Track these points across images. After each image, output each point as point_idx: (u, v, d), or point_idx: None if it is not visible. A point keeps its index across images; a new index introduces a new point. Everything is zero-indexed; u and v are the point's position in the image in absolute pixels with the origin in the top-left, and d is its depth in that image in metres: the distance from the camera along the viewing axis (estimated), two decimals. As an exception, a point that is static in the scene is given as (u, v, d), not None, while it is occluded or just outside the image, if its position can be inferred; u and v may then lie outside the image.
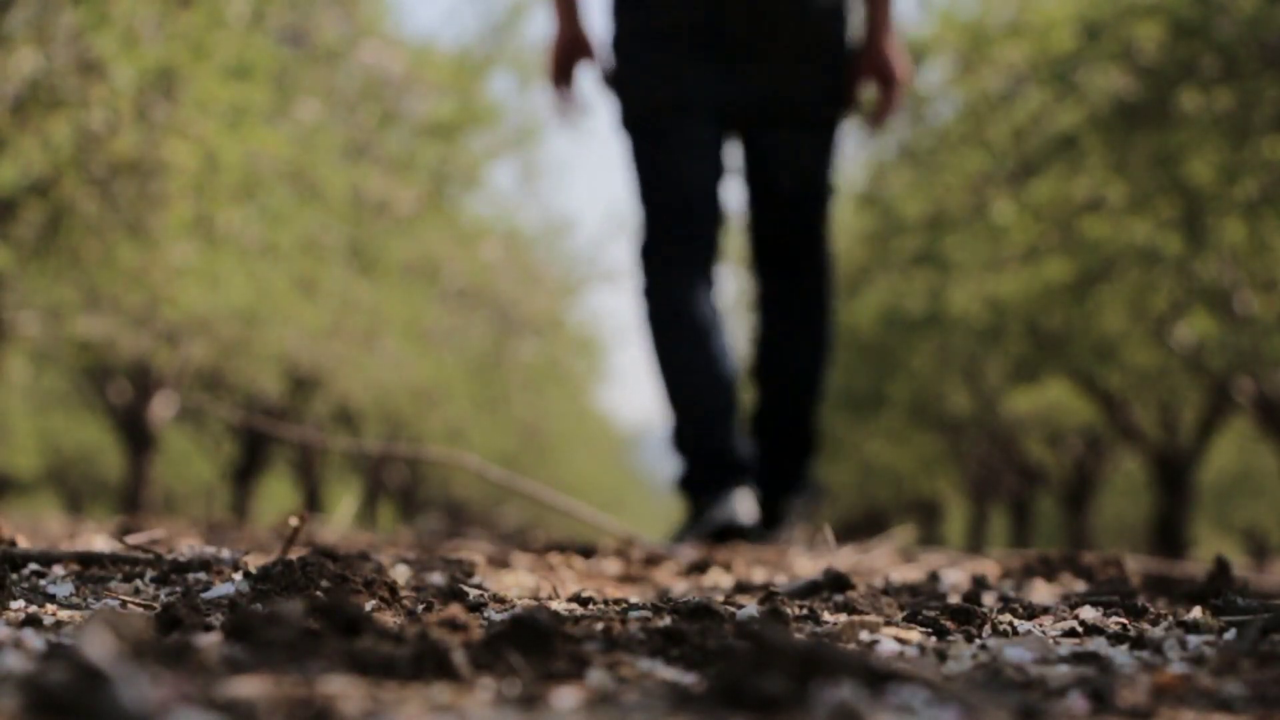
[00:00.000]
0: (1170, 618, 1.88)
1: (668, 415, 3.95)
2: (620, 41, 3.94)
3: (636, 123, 3.93)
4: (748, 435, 4.09)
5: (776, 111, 3.89)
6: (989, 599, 2.36)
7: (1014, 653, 1.45)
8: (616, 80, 3.97)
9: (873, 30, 3.97)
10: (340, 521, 5.16)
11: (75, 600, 1.83)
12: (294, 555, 2.19)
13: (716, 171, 3.91)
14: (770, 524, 3.94)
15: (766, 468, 4.05)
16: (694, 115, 3.84)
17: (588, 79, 4.12)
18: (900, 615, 1.89)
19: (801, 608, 1.90)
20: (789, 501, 4.03)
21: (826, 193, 4.04)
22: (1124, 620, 1.88)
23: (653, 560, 3.21)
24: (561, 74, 4.10)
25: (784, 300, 4.07)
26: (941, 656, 1.45)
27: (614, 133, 4.06)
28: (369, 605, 1.72)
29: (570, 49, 4.06)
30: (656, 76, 3.85)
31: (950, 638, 1.66)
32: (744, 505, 3.79)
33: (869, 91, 4.11)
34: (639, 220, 3.99)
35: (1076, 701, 1.17)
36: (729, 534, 3.70)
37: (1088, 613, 1.93)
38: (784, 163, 3.94)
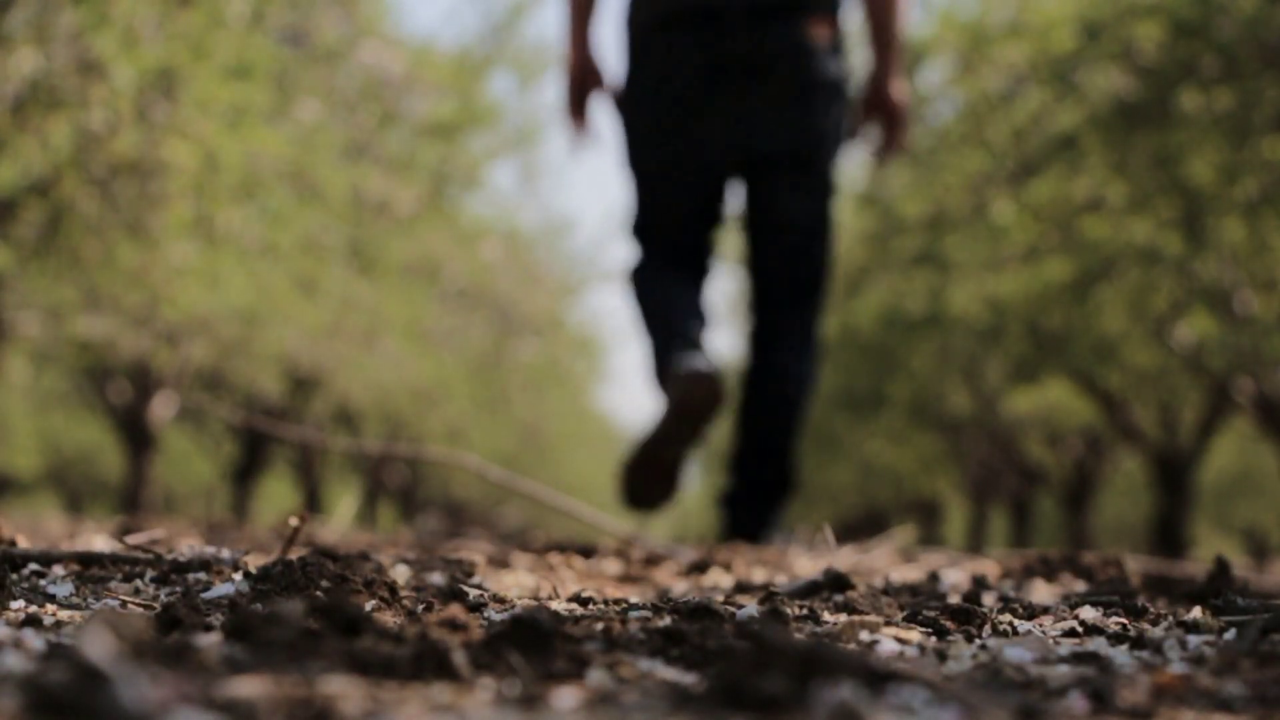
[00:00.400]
0: (1170, 618, 1.88)
1: (647, 350, 4.06)
2: (630, 91, 4.09)
3: (639, 178, 4.13)
4: (730, 472, 4.26)
5: (775, 157, 4.02)
6: (989, 599, 2.36)
7: (1014, 653, 1.45)
8: (625, 128, 4.14)
9: (879, 75, 4.14)
10: (340, 521, 5.16)
11: (75, 600, 1.83)
12: (294, 555, 2.19)
13: (711, 221, 4.12)
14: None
15: (742, 504, 4.19)
16: (694, 170, 4.03)
17: (600, 107, 4.32)
18: (900, 615, 1.89)
19: (801, 608, 1.90)
20: (761, 538, 4.13)
21: (825, 231, 4.14)
22: (1124, 620, 1.88)
23: (653, 560, 3.21)
24: (576, 103, 4.24)
25: (777, 336, 4.17)
26: (941, 656, 1.45)
27: (618, 167, 4.12)
28: (369, 605, 1.72)
29: (583, 78, 4.21)
30: (661, 133, 4.03)
31: (950, 638, 1.66)
32: (705, 360, 3.86)
33: (874, 131, 4.26)
34: (632, 236, 4.19)
35: (1076, 701, 1.17)
36: (698, 382, 3.75)
37: (1088, 613, 1.93)
38: (783, 205, 4.07)
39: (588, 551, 3.29)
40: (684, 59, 3.95)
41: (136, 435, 13.55)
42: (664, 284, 4.06)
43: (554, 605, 1.95)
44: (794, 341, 4.13)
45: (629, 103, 4.10)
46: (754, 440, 4.13)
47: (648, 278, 4.11)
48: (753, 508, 4.17)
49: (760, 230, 4.16)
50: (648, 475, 3.87)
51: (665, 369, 3.87)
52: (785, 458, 4.19)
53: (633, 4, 4.09)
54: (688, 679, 1.20)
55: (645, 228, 4.15)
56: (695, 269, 4.11)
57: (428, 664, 1.13)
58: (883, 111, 4.18)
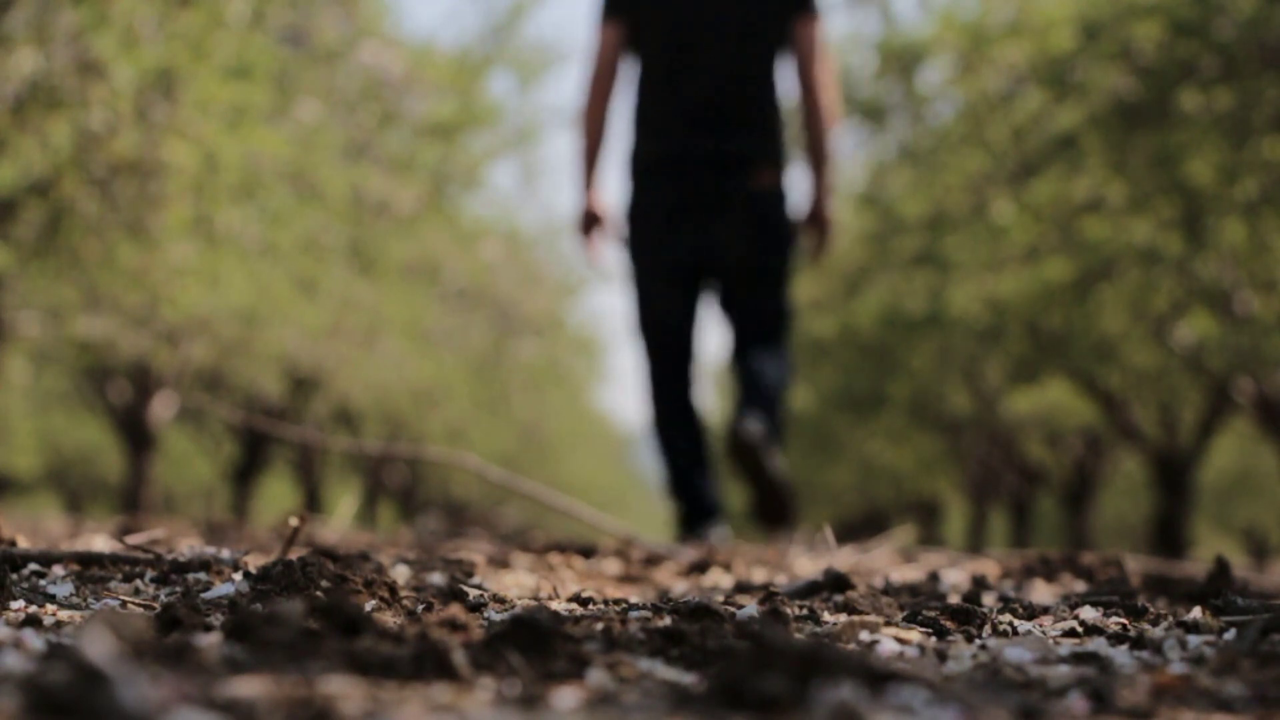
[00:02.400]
0: (1170, 618, 1.88)
1: (665, 474, 5.28)
2: (628, 216, 5.35)
3: (637, 280, 5.34)
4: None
5: (733, 266, 5.24)
6: (989, 599, 2.36)
7: (1014, 653, 1.45)
8: (624, 247, 5.38)
9: (815, 197, 5.39)
10: (340, 522, 5.16)
11: (75, 600, 1.83)
12: (294, 555, 2.19)
13: (690, 314, 5.32)
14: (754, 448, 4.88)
15: (747, 411, 5.01)
16: (672, 273, 5.28)
17: (604, 237, 5.50)
18: (900, 615, 1.88)
19: (801, 608, 1.90)
20: (768, 431, 4.99)
21: (781, 315, 5.28)
22: (1124, 620, 1.88)
23: (653, 560, 3.22)
24: (585, 236, 5.51)
25: (754, 363, 5.23)
26: (941, 656, 1.45)
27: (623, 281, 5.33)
28: (369, 605, 1.72)
29: (590, 220, 5.48)
30: (649, 246, 5.30)
31: (950, 638, 1.66)
32: (720, 537, 4.96)
33: (810, 238, 5.48)
34: (638, 347, 5.37)
35: (1076, 701, 1.17)
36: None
37: (1088, 613, 1.92)
38: (741, 302, 5.26)
39: (588, 551, 3.29)
40: (664, 196, 5.23)
41: (136, 435, 13.55)
42: (674, 413, 5.28)
43: (554, 605, 1.95)
44: (770, 368, 5.16)
45: (628, 224, 5.33)
46: (751, 385, 5.07)
47: (659, 399, 5.31)
48: (757, 412, 4.96)
49: (730, 316, 5.31)
50: None
51: (688, 524, 5.10)
52: (776, 407, 5.05)
53: (630, 155, 5.34)
54: (688, 679, 1.20)
55: (642, 319, 5.35)
56: (684, 365, 5.32)
57: (428, 664, 1.13)
58: (817, 225, 5.40)
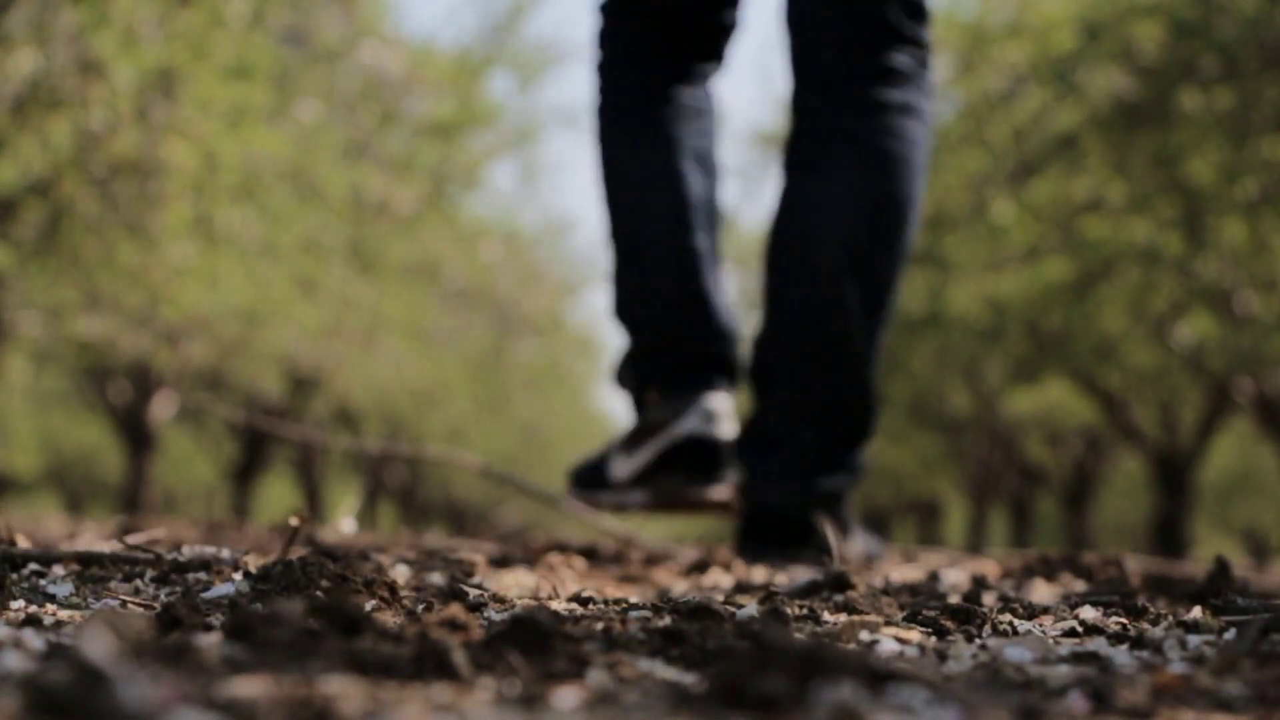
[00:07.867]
0: (1170, 618, 1.88)
1: (610, 263, 2.89)
2: None
3: None
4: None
5: None
6: (989, 599, 2.36)
7: (1014, 653, 1.45)
8: None
9: None
10: (348, 525, 5.16)
11: (75, 600, 1.83)
12: (294, 555, 2.19)
13: None
14: (785, 536, 2.58)
15: (776, 447, 2.59)
16: None
17: None
18: (900, 615, 1.89)
19: (801, 608, 1.90)
20: (821, 496, 2.55)
21: None
22: (1124, 620, 1.88)
23: (653, 560, 3.22)
24: None
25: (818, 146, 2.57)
26: (941, 656, 1.45)
27: None
28: (369, 605, 1.72)
29: None
30: None
31: (950, 638, 1.66)
32: (719, 409, 2.68)
33: None
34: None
35: (1076, 701, 1.17)
36: (693, 453, 2.64)
37: (1088, 613, 1.92)
38: None
39: (588, 551, 3.29)
40: None
41: (136, 435, 13.55)
42: (633, 115, 2.62)
43: (554, 605, 1.95)
44: (845, 150, 2.49)
45: None
46: (793, 335, 2.49)
47: (609, 80, 2.66)
48: (796, 452, 2.50)
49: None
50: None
51: (640, 375, 2.77)
52: (851, 361, 2.48)
53: None
54: (688, 679, 1.20)
55: None
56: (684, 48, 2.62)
57: (428, 664, 1.13)
58: None
